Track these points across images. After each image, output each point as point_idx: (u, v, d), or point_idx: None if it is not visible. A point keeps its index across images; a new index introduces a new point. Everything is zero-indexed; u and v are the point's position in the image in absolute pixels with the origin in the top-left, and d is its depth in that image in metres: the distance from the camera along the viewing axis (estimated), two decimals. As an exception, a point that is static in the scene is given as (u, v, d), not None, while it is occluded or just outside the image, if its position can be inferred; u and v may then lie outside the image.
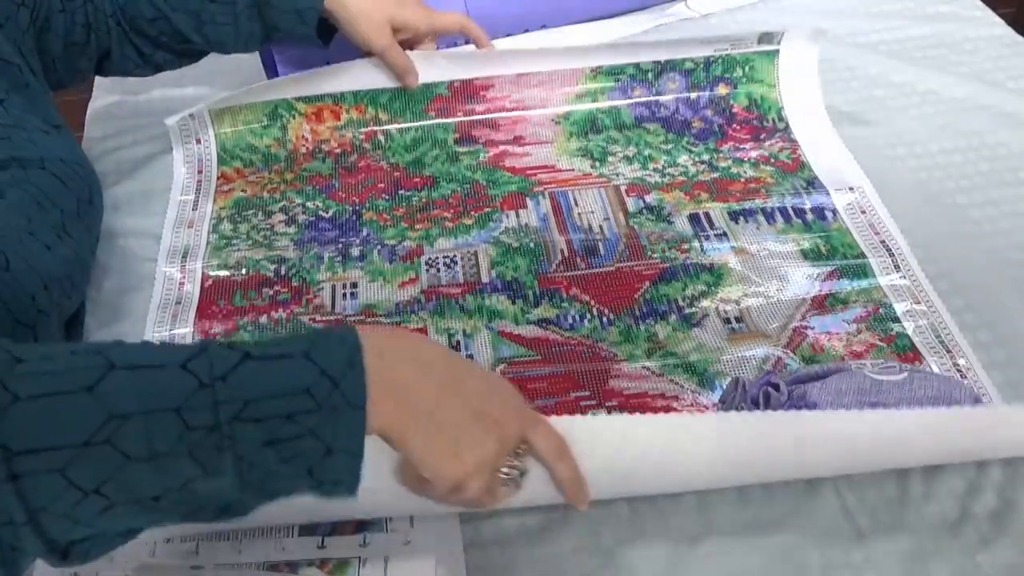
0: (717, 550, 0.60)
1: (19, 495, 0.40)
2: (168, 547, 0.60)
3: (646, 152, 0.89)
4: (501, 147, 0.91)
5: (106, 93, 1.01)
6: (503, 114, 0.91)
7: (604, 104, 0.91)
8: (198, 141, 0.89)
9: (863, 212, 0.82)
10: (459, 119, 0.91)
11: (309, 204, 0.86)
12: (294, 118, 0.89)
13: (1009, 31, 1.04)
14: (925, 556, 0.59)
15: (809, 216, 0.82)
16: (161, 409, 0.42)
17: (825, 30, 0.89)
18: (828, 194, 0.84)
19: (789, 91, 0.89)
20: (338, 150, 0.89)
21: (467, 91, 0.90)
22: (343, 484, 0.46)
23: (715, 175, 0.87)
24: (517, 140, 0.91)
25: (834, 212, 0.82)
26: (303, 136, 0.89)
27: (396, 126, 0.90)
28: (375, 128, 0.90)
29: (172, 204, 0.86)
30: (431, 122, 0.90)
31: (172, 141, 0.88)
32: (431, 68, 0.88)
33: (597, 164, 0.89)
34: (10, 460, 0.40)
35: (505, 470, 0.51)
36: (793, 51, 0.89)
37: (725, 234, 0.80)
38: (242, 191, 0.87)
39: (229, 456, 0.43)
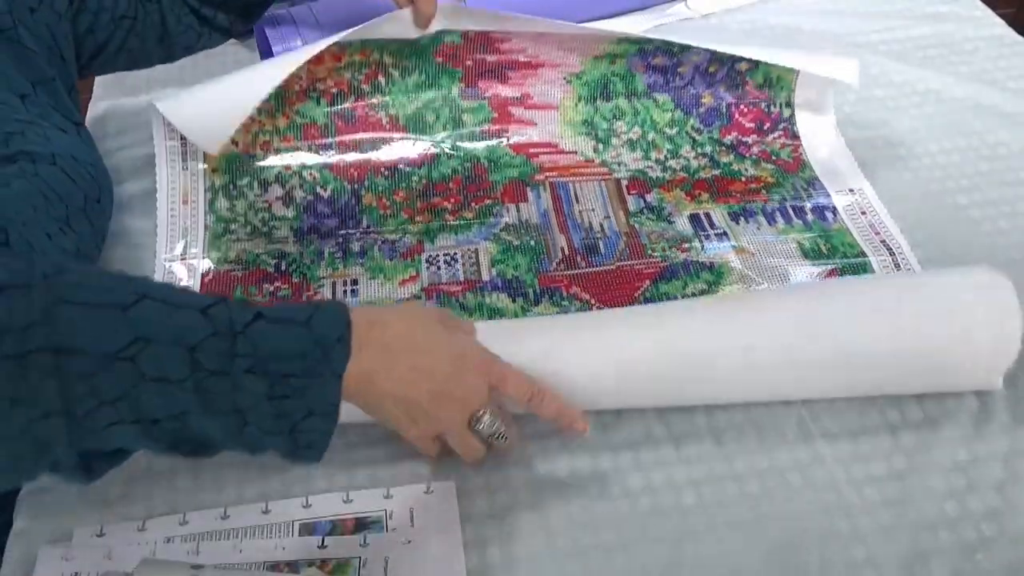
0: (716, 549, 0.60)
1: (60, 389, 0.45)
2: (168, 547, 0.60)
3: (650, 136, 0.89)
4: (507, 107, 0.88)
5: (106, 93, 1.00)
6: (515, 60, 0.88)
7: (620, 67, 0.89)
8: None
9: (863, 213, 0.82)
10: (467, 65, 0.88)
11: (306, 174, 0.84)
12: None
13: (1009, 31, 1.04)
14: (925, 554, 0.59)
15: (809, 216, 0.82)
16: (180, 344, 0.47)
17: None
18: (828, 195, 0.84)
19: (805, 78, 0.87)
20: (334, 90, 0.85)
21: (481, 41, 0.87)
22: (314, 448, 0.52)
23: (716, 172, 0.87)
24: (525, 98, 0.89)
25: (834, 212, 0.82)
26: (297, 75, 0.83)
27: (399, 69, 0.86)
28: (376, 71, 0.86)
29: (160, 162, 0.82)
30: (437, 68, 0.87)
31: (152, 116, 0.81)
32: (446, 20, 0.84)
33: (600, 148, 0.88)
34: (58, 355, 0.44)
35: (482, 426, 0.58)
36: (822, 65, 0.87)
37: (725, 233, 0.80)
38: (232, 142, 0.83)
39: (230, 400, 0.48)
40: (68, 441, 0.46)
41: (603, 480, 0.63)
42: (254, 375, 0.48)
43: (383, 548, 0.59)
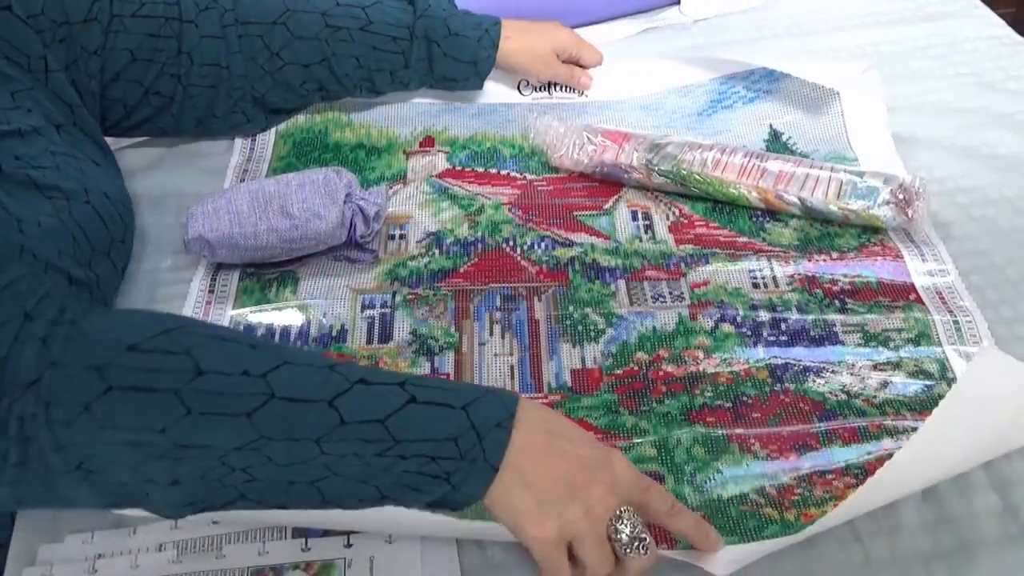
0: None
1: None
2: (149, 557, 0.59)
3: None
4: None
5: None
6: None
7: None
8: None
9: None
10: None
11: None
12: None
13: (1009, 31, 1.03)
14: (926, 556, 0.58)
15: None
16: (304, 439, 0.48)
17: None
18: None
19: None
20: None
21: None
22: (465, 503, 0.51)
23: None
24: None
25: None
26: None
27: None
28: None
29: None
30: None
31: None
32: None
33: None
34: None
35: (618, 536, 0.51)
36: None
37: None
38: None
39: (361, 479, 0.49)
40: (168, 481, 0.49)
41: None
42: (384, 458, 0.49)
43: (368, 548, 0.58)
